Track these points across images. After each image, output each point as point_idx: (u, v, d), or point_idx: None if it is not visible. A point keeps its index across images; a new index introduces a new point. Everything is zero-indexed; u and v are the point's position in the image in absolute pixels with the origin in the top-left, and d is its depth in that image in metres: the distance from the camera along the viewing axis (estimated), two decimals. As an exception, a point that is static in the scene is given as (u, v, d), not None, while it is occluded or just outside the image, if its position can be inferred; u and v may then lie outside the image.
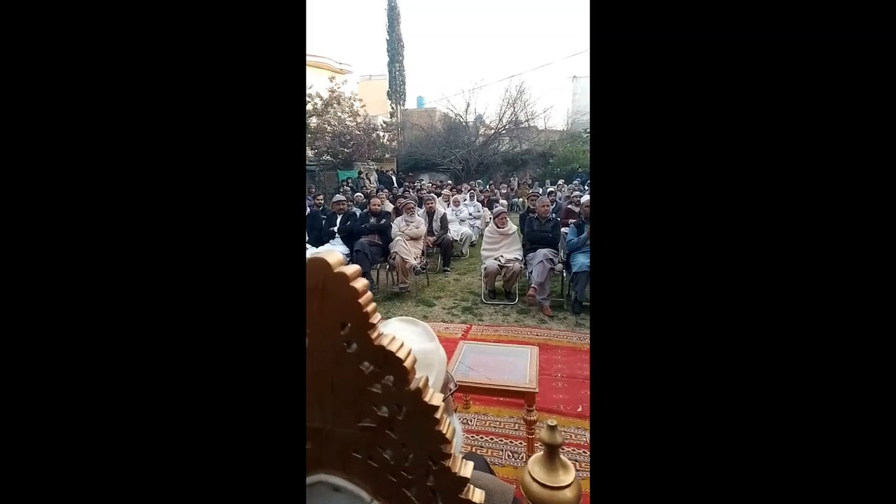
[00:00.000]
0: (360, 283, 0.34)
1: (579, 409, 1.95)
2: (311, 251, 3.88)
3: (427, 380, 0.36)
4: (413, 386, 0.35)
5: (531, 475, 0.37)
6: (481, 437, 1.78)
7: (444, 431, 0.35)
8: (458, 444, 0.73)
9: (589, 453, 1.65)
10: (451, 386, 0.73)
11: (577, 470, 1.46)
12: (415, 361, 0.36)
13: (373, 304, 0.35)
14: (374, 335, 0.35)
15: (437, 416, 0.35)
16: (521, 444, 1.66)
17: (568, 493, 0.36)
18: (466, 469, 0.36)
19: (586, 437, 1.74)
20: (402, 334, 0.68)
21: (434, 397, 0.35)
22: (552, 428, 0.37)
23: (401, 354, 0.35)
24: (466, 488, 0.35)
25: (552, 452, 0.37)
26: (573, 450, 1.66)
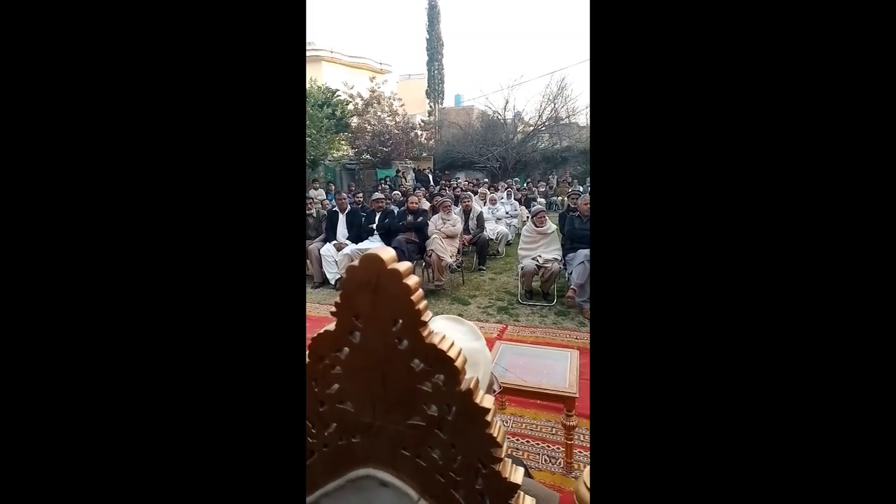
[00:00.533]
0: (413, 281, 0.34)
1: (621, 418, 1.87)
2: (351, 248, 4.01)
3: (478, 381, 0.35)
4: (464, 386, 0.34)
5: (588, 486, 0.35)
6: (517, 440, 1.75)
7: (495, 435, 0.34)
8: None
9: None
10: (496, 388, 0.71)
11: None
12: (465, 361, 0.35)
13: (424, 302, 0.35)
14: (425, 333, 0.34)
15: (488, 418, 0.34)
16: (558, 448, 1.62)
17: (626, 509, 0.33)
18: (517, 475, 0.35)
19: (628, 446, 1.67)
20: (449, 332, 0.68)
21: (485, 399, 0.35)
22: (610, 439, 0.35)
23: (452, 354, 0.34)
24: (517, 495, 0.34)
25: (609, 464, 0.35)
26: (614, 459, 1.60)
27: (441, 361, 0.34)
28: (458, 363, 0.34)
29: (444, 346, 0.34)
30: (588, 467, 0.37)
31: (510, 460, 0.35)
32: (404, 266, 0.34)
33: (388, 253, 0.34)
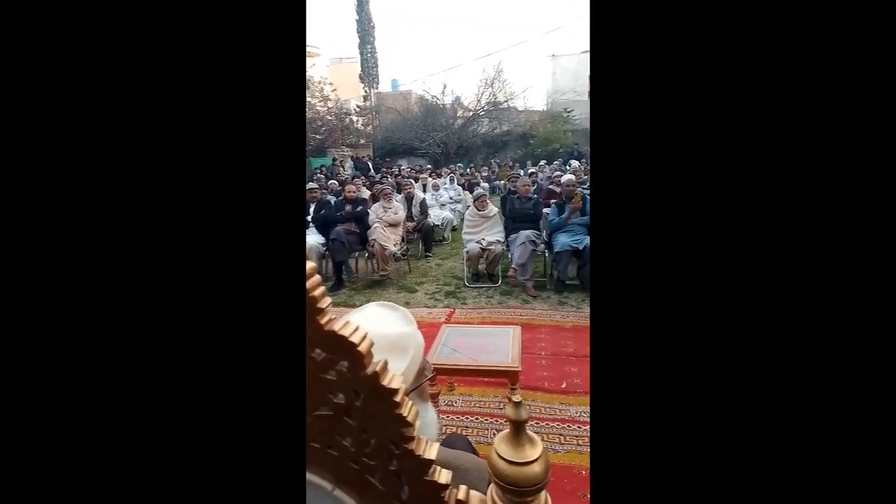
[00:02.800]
0: (307, 266, 0.32)
1: (563, 385, 1.99)
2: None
3: (385, 363, 0.34)
4: (370, 370, 0.33)
5: (497, 453, 0.36)
6: (466, 418, 1.80)
7: (405, 414, 0.34)
8: (433, 432, 0.73)
9: (572, 427, 1.69)
10: (427, 373, 0.72)
11: (561, 443, 1.48)
12: (371, 345, 0.34)
13: (321, 288, 0.33)
14: (323, 320, 0.32)
15: (397, 398, 0.33)
16: (506, 422, 1.69)
17: (536, 468, 0.35)
18: (431, 451, 0.35)
19: (570, 412, 1.79)
20: (379, 318, 0.66)
21: (393, 380, 0.34)
22: (517, 404, 0.36)
23: (354, 339, 0.33)
24: (432, 469, 0.34)
25: (518, 429, 0.36)
26: (558, 424, 1.70)
27: (343, 348, 0.33)
28: (362, 347, 0.33)
29: (346, 332, 0.33)
30: (498, 435, 0.38)
31: (424, 437, 0.35)
32: (296, 251, 0.32)
33: (277, 238, 0.32)
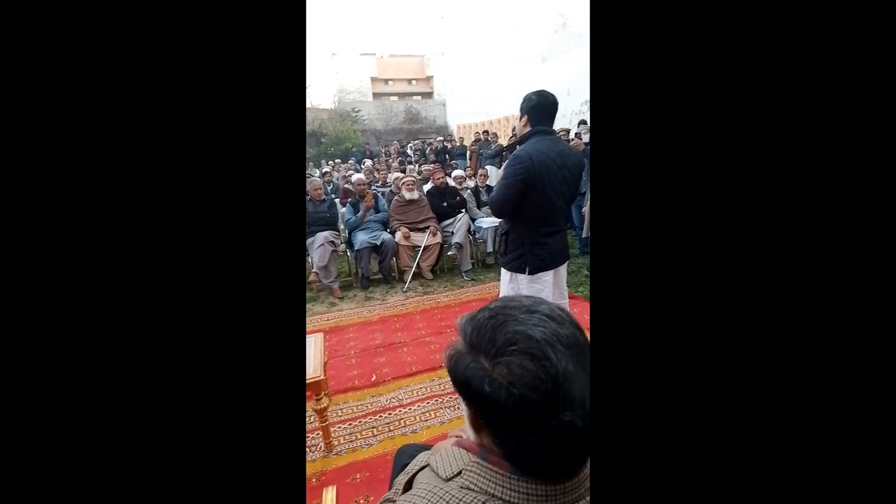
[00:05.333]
0: None
1: (373, 378, 2.05)
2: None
3: None
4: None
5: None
6: (273, 447, 1.62)
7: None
8: None
9: (383, 416, 1.77)
10: None
11: (374, 436, 1.49)
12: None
13: None
14: None
15: None
16: (317, 434, 1.61)
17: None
18: None
19: (381, 401, 1.86)
20: None
21: None
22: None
23: None
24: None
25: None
26: (370, 418, 1.74)
27: None
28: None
29: None
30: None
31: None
32: None
33: None
